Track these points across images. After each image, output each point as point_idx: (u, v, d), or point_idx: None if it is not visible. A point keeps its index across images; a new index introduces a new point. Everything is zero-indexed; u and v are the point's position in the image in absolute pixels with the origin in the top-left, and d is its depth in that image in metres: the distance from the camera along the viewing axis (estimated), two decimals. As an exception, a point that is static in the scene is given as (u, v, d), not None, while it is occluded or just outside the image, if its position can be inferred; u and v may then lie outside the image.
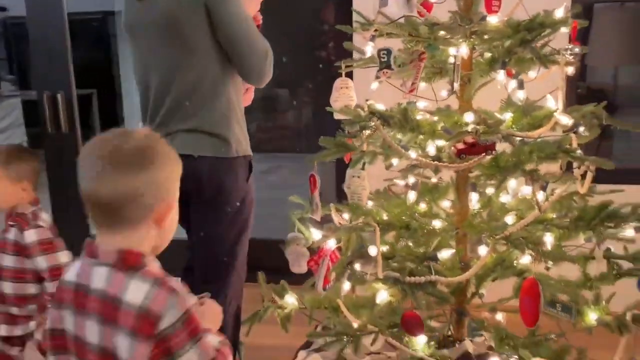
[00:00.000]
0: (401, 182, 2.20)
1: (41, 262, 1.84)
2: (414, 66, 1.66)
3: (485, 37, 1.66)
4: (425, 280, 1.56)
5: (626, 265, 1.68)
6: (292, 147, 7.08)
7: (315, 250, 2.03)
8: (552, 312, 1.54)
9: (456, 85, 1.88)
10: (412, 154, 1.75)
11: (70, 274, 1.08)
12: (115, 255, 1.02)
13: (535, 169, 1.53)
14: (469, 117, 1.76)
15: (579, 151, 1.62)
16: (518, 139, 1.62)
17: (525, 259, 1.69)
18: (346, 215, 2.09)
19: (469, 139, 1.52)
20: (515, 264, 1.68)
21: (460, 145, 1.53)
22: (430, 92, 1.94)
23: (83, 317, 1.02)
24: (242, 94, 2.00)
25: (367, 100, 2.15)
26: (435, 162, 1.63)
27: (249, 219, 2.01)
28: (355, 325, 1.84)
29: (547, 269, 1.59)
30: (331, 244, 1.83)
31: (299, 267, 2.22)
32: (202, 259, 1.94)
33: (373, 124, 1.65)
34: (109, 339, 0.99)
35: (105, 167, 0.99)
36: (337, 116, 2.15)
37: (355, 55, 2.03)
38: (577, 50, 1.67)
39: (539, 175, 1.52)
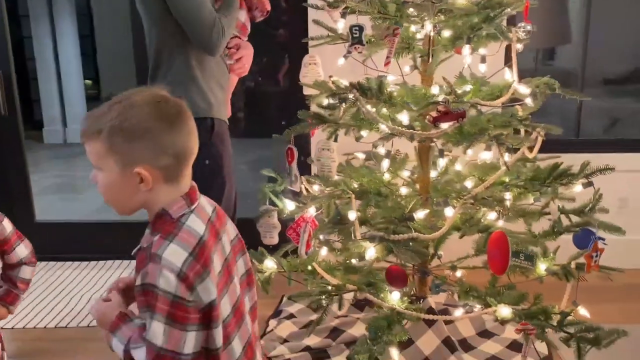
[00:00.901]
0: (361, 155, 2.33)
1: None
2: (389, 41, 1.78)
3: (450, 15, 1.80)
4: (408, 237, 1.70)
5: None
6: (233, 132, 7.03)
7: (290, 221, 2.11)
8: (516, 261, 1.73)
9: (419, 61, 2.04)
10: (383, 125, 1.88)
11: (198, 226, 1.11)
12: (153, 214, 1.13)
13: (500, 133, 1.70)
14: (435, 89, 1.92)
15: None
16: (482, 108, 1.79)
17: (490, 216, 1.87)
18: (316, 187, 2.20)
19: (442, 108, 1.66)
20: (482, 221, 1.85)
21: (435, 114, 1.67)
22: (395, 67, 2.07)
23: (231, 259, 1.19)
24: (212, 63, 2.03)
25: (330, 76, 2.25)
26: (411, 130, 1.76)
27: (218, 178, 2.03)
28: (332, 285, 1.95)
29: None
30: (311, 211, 1.92)
31: (271, 238, 2.30)
32: None
33: (352, 95, 1.74)
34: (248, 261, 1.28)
35: (189, 124, 1.14)
36: (306, 91, 2.24)
37: (318, 31, 2.10)
38: (529, 27, 1.86)
39: (504, 139, 1.69)
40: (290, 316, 2.45)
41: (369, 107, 1.78)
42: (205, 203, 1.20)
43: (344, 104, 1.81)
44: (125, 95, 1.10)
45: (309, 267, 2.01)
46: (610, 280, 1.92)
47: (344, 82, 2.21)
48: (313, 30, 2.00)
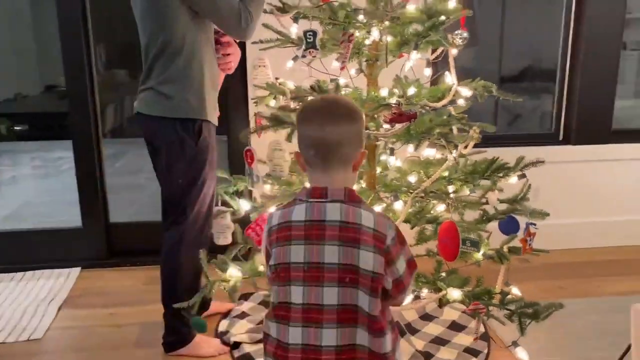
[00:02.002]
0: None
1: None
2: (344, 47, 1.87)
3: (397, 22, 1.93)
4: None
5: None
6: (133, 132, 6.80)
7: (246, 221, 2.15)
8: (463, 248, 1.91)
9: (364, 65, 2.15)
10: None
11: (298, 215, 1.25)
12: (343, 193, 1.25)
13: (448, 132, 1.86)
14: (384, 91, 2.05)
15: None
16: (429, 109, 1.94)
17: (439, 208, 2.04)
18: (268, 186, 2.25)
19: (396, 110, 1.79)
20: (432, 213, 2.01)
21: (390, 115, 1.79)
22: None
23: (319, 245, 1.22)
24: (213, 62, 2.09)
25: (277, 78, 2.32)
26: (367, 131, 1.88)
27: (199, 177, 2.08)
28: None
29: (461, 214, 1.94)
30: (272, 210, 1.97)
31: (225, 239, 2.32)
32: (161, 198, 2.20)
33: (311, 97, 1.83)
34: (351, 256, 1.21)
35: (334, 117, 1.24)
36: (256, 93, 2.28)
37: (265, 35, 2.15)
38: (465, 34, 2.04)
39: (452, 136, 1.85)
40: (243, 315, 2.48)
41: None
42: None
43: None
44: None
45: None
46: (527, 262, 2.15)
47: (291, 84, 2.30)
48: (261, 33, 2.06)
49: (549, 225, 2.16)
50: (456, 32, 2.03)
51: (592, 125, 3.20)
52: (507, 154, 2.14)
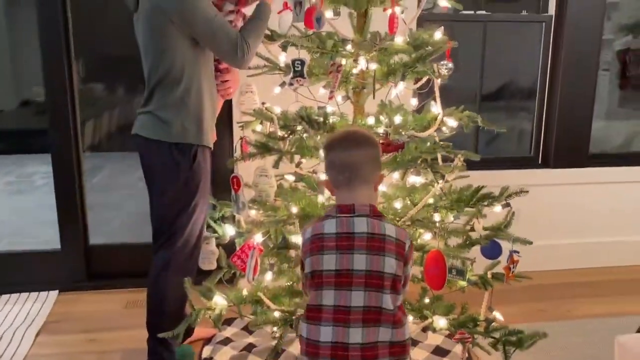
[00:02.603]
0: (290, 177, 2.41)
1: None
2: (332, 76, 1.89)
3: (385, 53, 1.96)
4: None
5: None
6: (111, 146, 6.70)
7: (231, 247, 2.14)
8: (450, 276, 1.92)
9: (351, 93, 2.17)
10: (322, 152, 1.98)
11: (329, 228, 1.43)
12: (368, 208, 1.45)
13: (435, 160, 1.89)
14: (370, 120, 2.07)
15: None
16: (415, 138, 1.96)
17: (425, 236, 2.05)
18: (253, 212, 2.24)
19: (384, 140, 1.81)
20: (418, 241, 2.03)
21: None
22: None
23: (349, 254, 1.40)
24: (213, 88, 2.12)
25: (263, 103, 2.32)
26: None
27: (192, 201, 2.09)
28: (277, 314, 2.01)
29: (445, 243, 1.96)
30: (258, 238, 1.97)
31: (210, 264, 2.30)
32: (151, 220, 2.16)
33: (301, 127, 1.83)
34: (377, 263, 1.40)
35: (354, 142, 1.47)
36: (242, 118, 2.28)
37: (257, 61, 2.17)
38: (450, 65, 2.07)
39: (438, 166, 1.88)
40: (227, 341, 2.46)
41: (317, 138, 1.88)
42: None
43: (291, 135, 1.89)
44: None
45: (256, 297, 2.05)
46: (509, 285, 2.18)
47: (277, 110, 2.30)
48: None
49: (529, 247, 2.20)
50: (442, 62, 2.06)
51: (570, 149, 3.27)
52: (488, 178, 2.18)
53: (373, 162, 1.47)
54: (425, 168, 1.91)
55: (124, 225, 4.27)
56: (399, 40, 1.92)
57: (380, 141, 1.85)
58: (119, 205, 4.71)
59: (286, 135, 1.93)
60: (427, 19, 2.92)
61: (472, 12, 3.02)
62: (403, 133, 1.91)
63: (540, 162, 3.35)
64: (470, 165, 2.30)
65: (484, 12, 3.09)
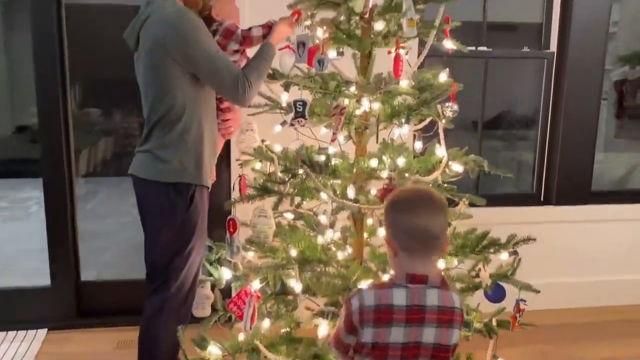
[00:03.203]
0: (289, 215, 2.36)
1: None
2: (335, 119, 1.84)
3: (389, 95, 1.92)
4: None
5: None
6: (106, 171, 6.63)
7: (228, 291, 2.07)
8: (455, 326, 1.85)
9: (353, 134, 2.12)
10: (324, 195, 1.93)
11: (398, 300, 1.33)
12: (439, 279, 1.37)
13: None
14: (373, 162, 2.01)
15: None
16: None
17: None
18: (251, 253, 2.17)
19: (389, 185, 1.76)
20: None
21: (383, 191, 1.75)
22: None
23: (418, 327, 1.33)
24: (214, 127, 2.07)
25: (263, 140, 2.28)
26: (358, 204, 1.83)
27: (188, 244, 2.02)
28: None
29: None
30: (255, 285, 1.90)
31: (203, 310, 2.22)
32: (145, 261, 2.10)
33: (302, 171, 1.78)
34: (445, 336, 1.35)
35: (435, 209, 1.36)
36: (241, 156, 2.23)
37: (258, 100, 2.13)
38: (455, 107, 2.03)
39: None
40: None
41: (317, 181, 1.82)
42: None
43: (292, 178, 1.83)
44: None
45: (252, 346, 1.97)
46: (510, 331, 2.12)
47: (277, 148, 2.25)
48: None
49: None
50: (447, 104, 2.02)
51: (572, 186, 3.23)
52: (490, 215, 2.13)
53: (446, 228, 1.41)
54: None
55: (117, 256, 4.19)
56: (404, 83, 1.88)
57: (385, 186, 1.80)
58: (114, 233, 4.62)
59: (287, 179, 1.87)
60: (430, 54, 2.89)
61: (473, 48, 3.00)
62: (407, 175, 1.85)
63: (542, 199, 3.31)
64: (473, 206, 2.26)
65: (485, 48, 3.07)
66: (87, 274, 3.16)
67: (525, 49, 3.18)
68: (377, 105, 1.97)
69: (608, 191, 3.45)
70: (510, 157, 5.82)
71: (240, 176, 2.29)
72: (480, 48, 3.06)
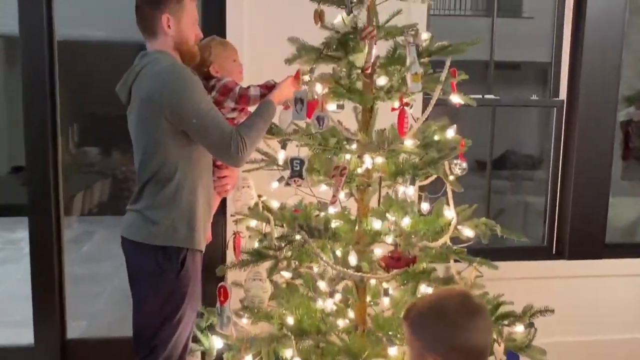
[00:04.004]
0: (287, 274, 2.21)
1: None
2: (336, 180, 1.72)
3: (392, 152, 1.80)
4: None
5: None
6: (104, 210, 6.50)
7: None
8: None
9: (354, 191, 1.99)
10: (323, 257, 1.79)
11: None
12: None
13: (447, 270, 1.69)
14: (377, 224, 1.88)
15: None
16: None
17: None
18: (245, 320, 2.02)
19: (395, 254, 1.61)
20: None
21: (387, 260, 1.61)
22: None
23: None
24: (209, 186, 1.94)
25: (260, 196, 2.15)
26: (361, 273, 1.69)
27: (177, 313, 1.85)
28: None
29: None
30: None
31: (194, 383, 2.06)
32: (133, 328, 1.93)
33: (300, 237, 1.64)
34: None
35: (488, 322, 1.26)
36: (237, 216, 2.10)
37: (254, 155, 2.02)
38: (464, 165, 1.91)
39: (452, 279, 1.67)
40: None
41: (318, 250, 1.69)
42: None
43: (289, 245, 1.70)
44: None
45: None
46: None
47: (275, 204, 2.13)
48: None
49: (542, 344, 1.98)
50: (455, 161, 1.90)
51: (585, 238, 3.07)
52: (500, 269, 1.96)
53: None
54: (437, 281, 1.70)
55: (110, 302, 4.02)
56: (409, 142, 1.75)
57: (389, 254, 1.66)
58: (108, 278, 4.45)
59: (283, 245, 1.73)
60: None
61: (480, 96, 2.89)
62: (414, 239, 1.71)
63: (554, 252, 3.15)
64: (478, 254, 2.10)
65: (492, 96, 2.97)
66: (75, 327, 2.99)
67: (534, 97, 3.08)
68: (380, 160, 1.85)
69: (622, 243, 3.29)
70: (516, 201, 5.68)
71: (235, 234, 2.16)
72: (487, 96, 2.96)
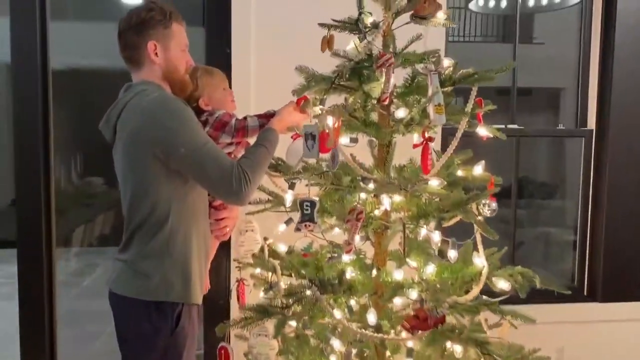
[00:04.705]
0: (293, 323, 2.00)
1: None
2: (351, 225, 1.51)
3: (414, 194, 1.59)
4: None
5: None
6: (107, 241, 6.30)
7: None
8: None
9: (371, 235, 1.78)
10: (338, 313, 1.57)
11: None
12: None
13: (478, 328, 1.47)
14: (398, 274, 1.66)
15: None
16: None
17: None
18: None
19: (421, 313, 1.40)
20: None
21: (412, 321, 1.39)
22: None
23: None
24: (206, 231, 1.73)
25: (265, 238, 1.95)
26: (382, 335, 1.47)
27: None
28: None
29: None
30: None
31: None
32: None
33: (311, 292, 1.43)
34: None
35: None
36: (240, 258, 1.91)
37: (259, 195, 1.82)
38: (494, 205, 1.69)
39: (489, 349, 1.45)
40: None
41: (333, 310, 1.48)
42: None
43: (298, 303, 1.49)
44: None
45: None
46: None
47: (282, 248, 1.93)
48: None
49: None
50: (484, 202, 1.69)
51: (620, 278, 2.83)
52: (527, 314, 1.73)
53: None
54: (469, 342, 1.48)
55: (109, 343, 3.79)
56: (434, 182, 1.55)
57: (414, 312, 1.44)
58: (107, 315, 4.23)
59: (292, 302, 1.52)
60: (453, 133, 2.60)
61: (502, 126, 2.69)
62: (440, 293, 1.49)
63: (586, 293, 2.91)
64: (506, 300, 1.88)
65: (515, 126, 2.77)
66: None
67: (561, 127, 2.88)
68: (398, 198, 1.65)
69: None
70: (537, 234, 5.43)
71: (238, 281, 1.96)
72: (510, 126, 2.76)
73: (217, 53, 2.50)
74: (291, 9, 2.44)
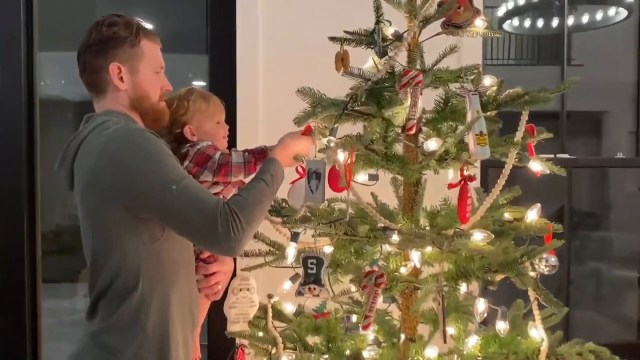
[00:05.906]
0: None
1: None
2: (369, 292, 1.17)
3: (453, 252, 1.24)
4: None
5: None
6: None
7: None
8: None
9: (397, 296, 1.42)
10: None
11: None
12: None
13: None
14: (432, 352, 1.30)
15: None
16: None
17: None
18: None
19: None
20: None
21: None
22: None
23: None
24: (191, 292, 1.40)
25: (269, 296, 1.62)
26: None
27: None
28: None
29: None
30: None
31: None
32: None
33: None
34: None
35: None
36: (232, 327, 1.56)
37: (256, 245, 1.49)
38: (553, 260, 1.33)
39: None
40: None
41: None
42: None
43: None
44: None
45: None
46: None
47: (289, 308, 1.60)
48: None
49: None
50: (542, 256, 1.32)
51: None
52: None
53: None
54: None
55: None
56: (478, 236, 1.19)
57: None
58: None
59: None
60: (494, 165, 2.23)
61: (552, 155, 2.32)
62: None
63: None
64: None
65: (566, 155, 2.39)
66: None
67: (619, 155, 2.48)
68: (430, 248, 1.30)
69: None
70: (586, 271, 4.95)
71: (238, 347, 1.64)
72: (560, 155, 2.38)
73: (222, 81, 2.24)
74: (300, 30, 2.17)
